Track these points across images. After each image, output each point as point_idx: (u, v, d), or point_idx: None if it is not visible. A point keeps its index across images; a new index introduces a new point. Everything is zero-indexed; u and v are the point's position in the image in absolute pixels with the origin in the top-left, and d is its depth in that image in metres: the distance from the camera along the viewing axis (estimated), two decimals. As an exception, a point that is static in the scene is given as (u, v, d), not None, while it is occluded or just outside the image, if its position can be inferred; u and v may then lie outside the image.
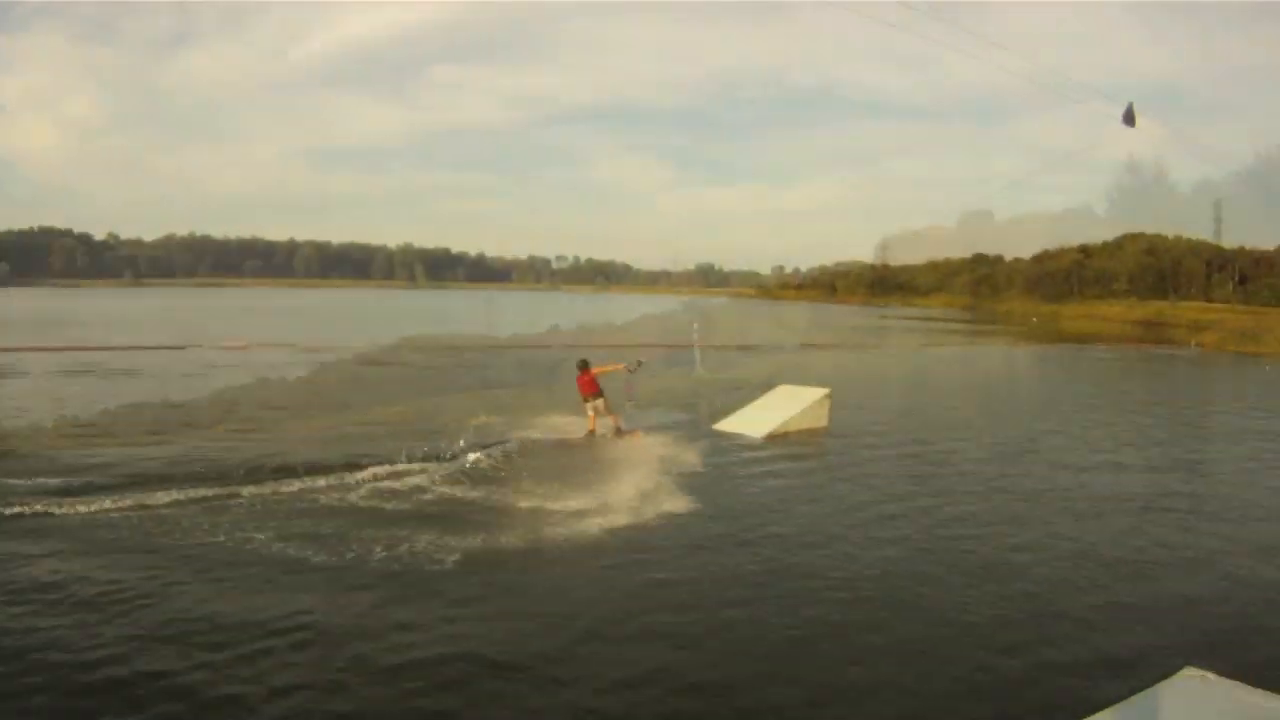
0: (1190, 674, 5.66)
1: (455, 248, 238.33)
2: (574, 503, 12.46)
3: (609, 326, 45.27)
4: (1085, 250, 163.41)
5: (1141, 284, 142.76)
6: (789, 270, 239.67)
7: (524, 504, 12.45)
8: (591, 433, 18.08)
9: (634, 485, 13.41)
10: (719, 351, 41.19)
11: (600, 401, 18.21)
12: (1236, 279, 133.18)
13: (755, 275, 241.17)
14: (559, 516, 11.90)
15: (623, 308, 65.26)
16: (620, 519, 11.88)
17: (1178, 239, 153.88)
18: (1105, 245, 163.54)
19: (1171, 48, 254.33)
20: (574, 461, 15.49)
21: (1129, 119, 37.75)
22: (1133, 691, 5.48)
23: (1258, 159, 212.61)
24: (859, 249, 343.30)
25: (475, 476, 13.83)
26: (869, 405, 24.04)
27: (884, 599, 9.68)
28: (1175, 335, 75.39)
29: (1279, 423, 24.75)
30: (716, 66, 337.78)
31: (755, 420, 18.95)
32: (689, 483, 14.07)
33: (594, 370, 18.42)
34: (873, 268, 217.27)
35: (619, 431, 18.28)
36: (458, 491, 13.11)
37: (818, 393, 20.02)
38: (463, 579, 9.56)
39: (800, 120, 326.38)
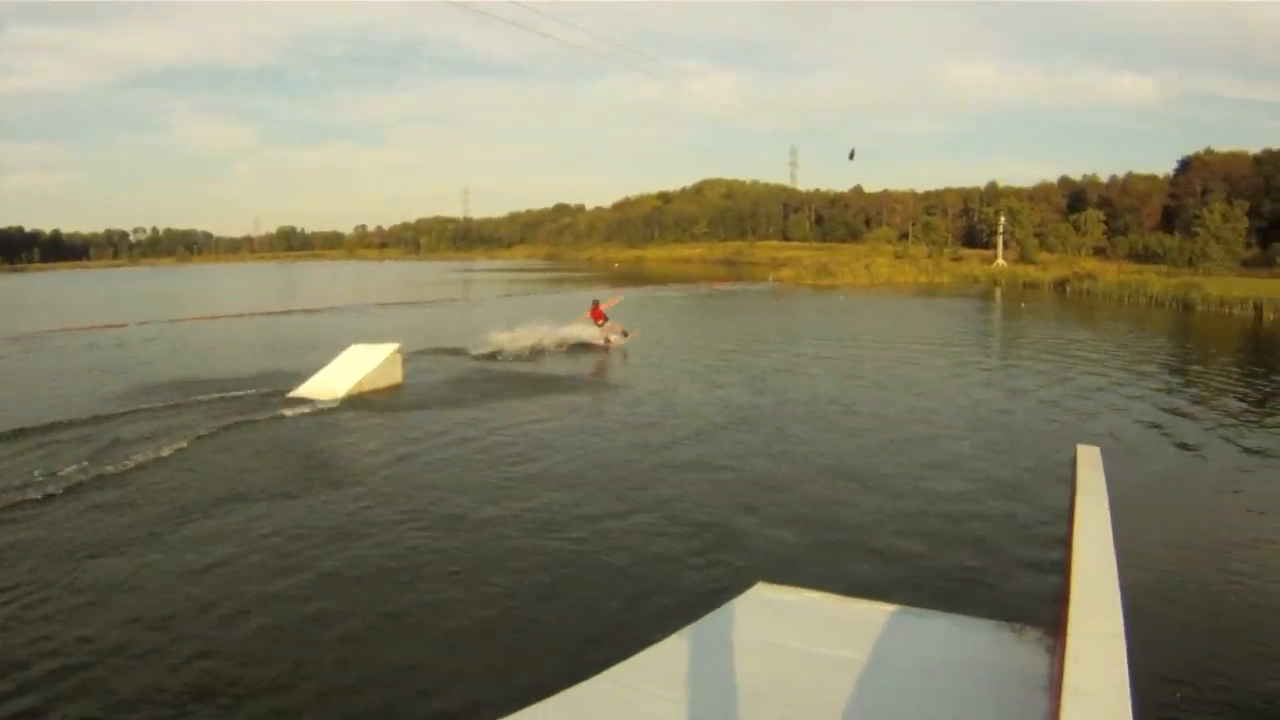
0: (762, 588, 6.09)
1: (29, 225, 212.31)
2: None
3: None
4: (665, 196, 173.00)
5: (721, 226, 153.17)
6: (371, 229, 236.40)
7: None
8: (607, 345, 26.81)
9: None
10: (301, 315, 41.06)
11: (607, 326, 27.12)
12: (813, 219, 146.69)
13: (339, 236, 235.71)
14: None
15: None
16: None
17: (755, 183, 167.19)
18: (685, 191, 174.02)
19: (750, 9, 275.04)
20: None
21: (851, 156, 44.91)
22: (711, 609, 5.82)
23: (825, 109, 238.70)
24: (442, 204, 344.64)
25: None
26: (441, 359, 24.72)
27: (463, 539, 9.95)
28: (756, 272, 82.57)
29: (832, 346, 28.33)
30: (300, 25, 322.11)
31: (329, 383, 18.83)
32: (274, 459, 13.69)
33: (603, 306, 27.36)
34: (456, 221, 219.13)
35: (625, 334, 27.69)
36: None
37: (389, 349, 20.22)
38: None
39: (384, 78, 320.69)
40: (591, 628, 7.75)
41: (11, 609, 8.22)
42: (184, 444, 14.43)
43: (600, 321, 27.20)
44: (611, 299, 30.25)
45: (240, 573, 9.05)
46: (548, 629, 7.77)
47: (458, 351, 25.73)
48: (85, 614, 8.10)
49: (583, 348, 26.46)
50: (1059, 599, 5.05)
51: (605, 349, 26.68)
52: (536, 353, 25.33)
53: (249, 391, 19.06)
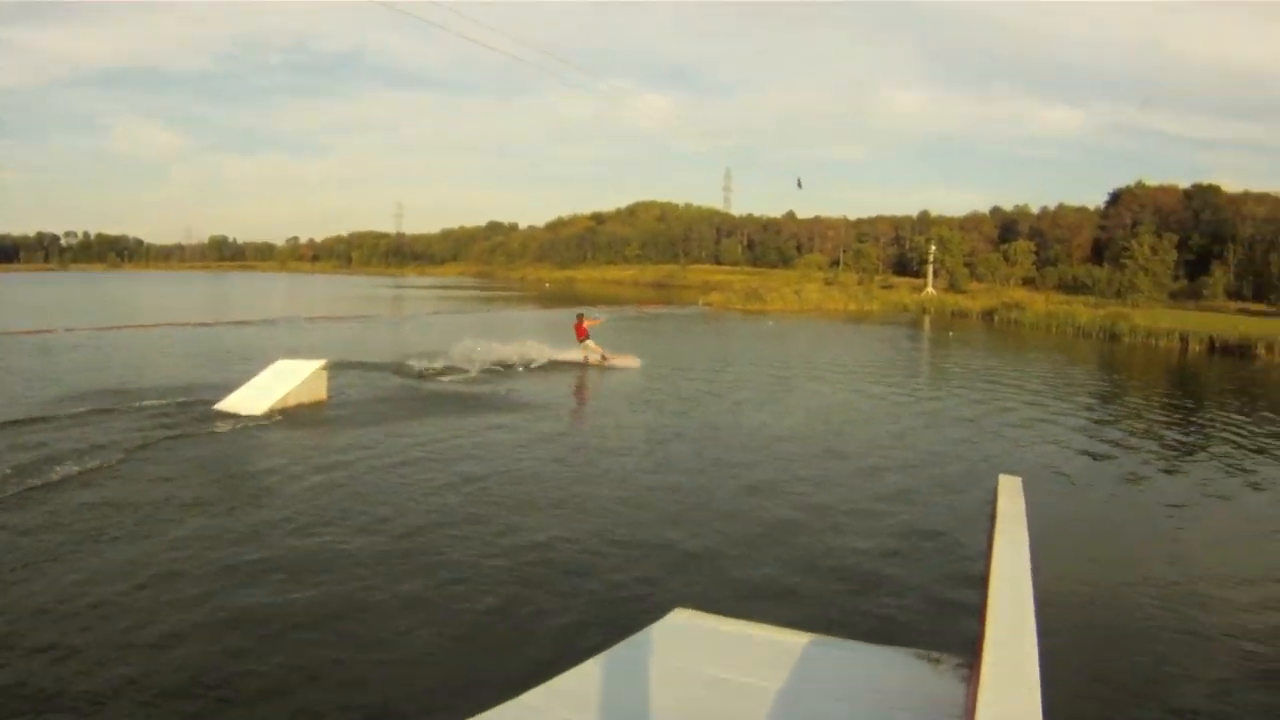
0: (680, 614, 6.07)
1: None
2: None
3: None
4: (598, 217, 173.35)
5: (654, 248, 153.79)
6: (304, 241, 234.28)
7: None
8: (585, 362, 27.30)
9: None
10: (230, 327, 40.89)
11: (589, 344, 27.44)
12: (745, 243, 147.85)
13: (271, 247, 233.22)
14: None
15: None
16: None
17: (689, 206, 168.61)
18: (618, 212, 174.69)
19: (685, 33, 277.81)
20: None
21: (799, 185, 45.40)
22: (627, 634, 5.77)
23: (759, 133, 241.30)
24: (376, 219, 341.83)
25: None
26: (367, 375, 24.74)
27: (378, 560, 9.95)
28: (686, 296, 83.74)
29: (761, 373, 28.82)
30: (240, 30, 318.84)
31: (254, 398, 18.80)
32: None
33: (586, 324, 27.91)
34: (388, 236, 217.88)
35: (604, 359, 27.57)
36: None
37: (314, 365, 20.24)
38: None
39: (321, 88, 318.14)
40: (499, 652, 7.74)
41: None
42: (104, 458, 14.25)
43: (581, 339, 27.97)
44: (595, 319, 30.92)
45: (153, 591, 8.95)
46: (456, 652, 7.77)
47: (384, 368, 25.89)
48: None
49: (507, 370, 26.41)
50: (977, 627, 4.98)
51: (586, 364, 27.53)
52: (464, 371, 25.41)
53: (173, 402, 19.06)
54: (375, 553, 10.19)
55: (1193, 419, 22.26)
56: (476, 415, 19.25)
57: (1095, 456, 16.96)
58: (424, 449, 15.71)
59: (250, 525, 11.16)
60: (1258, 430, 20.51)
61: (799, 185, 55.48)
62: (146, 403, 18.94)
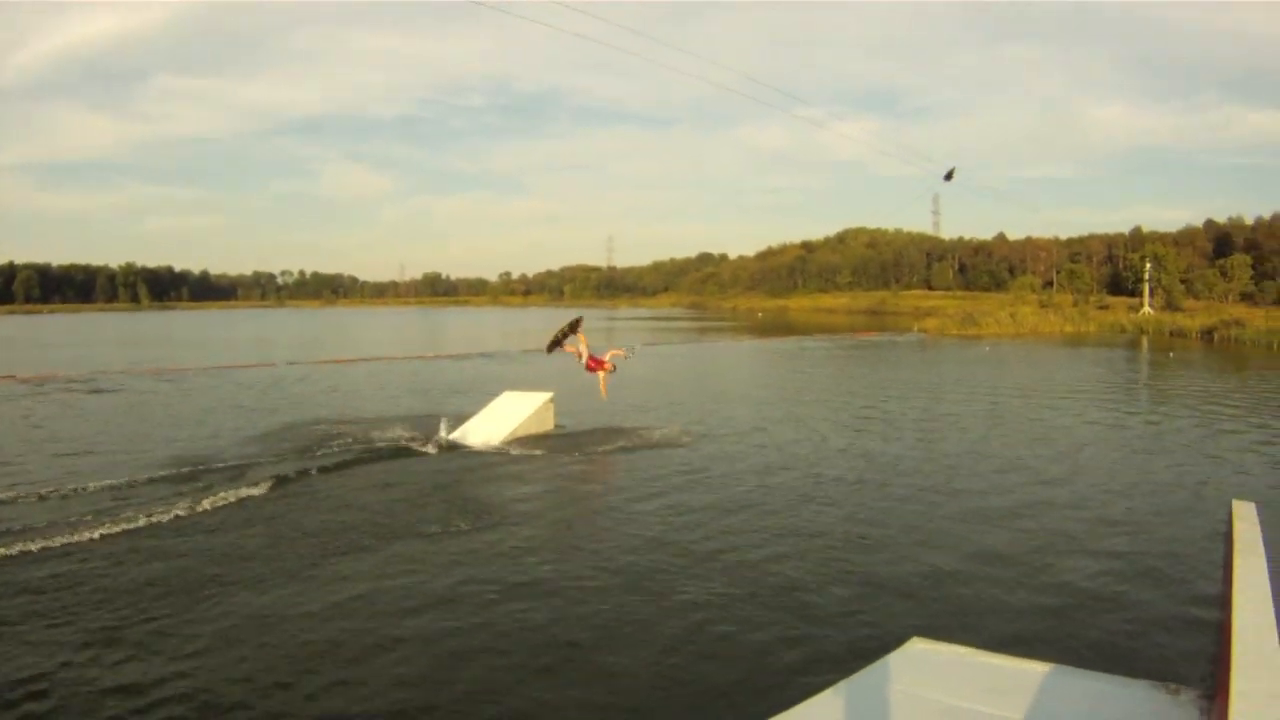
0: (917, 643, 5.96)
1: (179, 265, 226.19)
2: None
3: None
4: (808, 246, 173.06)
5: (864, 275, 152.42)
6: (515, 276, 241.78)
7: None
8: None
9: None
10: (448, 361, 41.26)
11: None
12: (956, 267, 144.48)
13: (483, 282, 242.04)
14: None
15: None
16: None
17: (898, 232, 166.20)
18: (827, 240, 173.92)
19: (887, 55, 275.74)
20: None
21: (948, 176, 43.10)
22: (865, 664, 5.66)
23: (964, 154, 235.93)
24: (586, 252, 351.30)
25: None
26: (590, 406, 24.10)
27: (628, 588, 9.62)
28: (899, 322, 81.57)
29: (980, 398, 26.94)
30: (441, 75, 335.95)
31: (486, 428, 18.66)
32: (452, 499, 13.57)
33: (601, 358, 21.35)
34: (599, 270, 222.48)
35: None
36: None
37: (542, 397, 20.05)
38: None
39: (525, 128, 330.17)
40: (750, 681, 7.45)
41: (150, 627, 8.37)
42: (333, 482, 14.55)
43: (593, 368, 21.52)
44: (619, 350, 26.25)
45: (383, 607, 9.01)
46: (706, 681, 7.47)
47: (605, 400, 24.97)
48: (225, 636, 8.21)
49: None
50: (1215, 658, 5.06)
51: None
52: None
53: (402, 435, 18.77)
54: (614, 590, 9.73)
55: None
56: (699, 447, 18.40)
57: None
58: (653, 484, 14.92)
59: (488, 550, 11.10)
60: None
61: (948, 177, 52.11)
62: (376, 434, 18.82)
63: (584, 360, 20.01)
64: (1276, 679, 3.34)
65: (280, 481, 14.08)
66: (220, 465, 15.51)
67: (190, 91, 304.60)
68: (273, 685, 7.16)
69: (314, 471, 15.02)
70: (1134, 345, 54.11)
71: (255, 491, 13.35)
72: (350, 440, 18.05)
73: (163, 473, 14.85)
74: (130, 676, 7.22)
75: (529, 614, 8.81)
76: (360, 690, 7.17)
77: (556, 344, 19.93)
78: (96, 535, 11.13)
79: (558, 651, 7.96)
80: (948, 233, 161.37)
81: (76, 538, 11.00)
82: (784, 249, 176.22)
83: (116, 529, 11.42)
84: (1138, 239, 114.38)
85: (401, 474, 15.22)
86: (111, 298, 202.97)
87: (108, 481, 14.20)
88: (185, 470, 15.03)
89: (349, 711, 6.85)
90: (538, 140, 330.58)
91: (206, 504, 12.75)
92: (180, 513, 12.18)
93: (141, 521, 11.75)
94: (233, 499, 12.96)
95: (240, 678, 7.27)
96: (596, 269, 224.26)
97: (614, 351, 21.15)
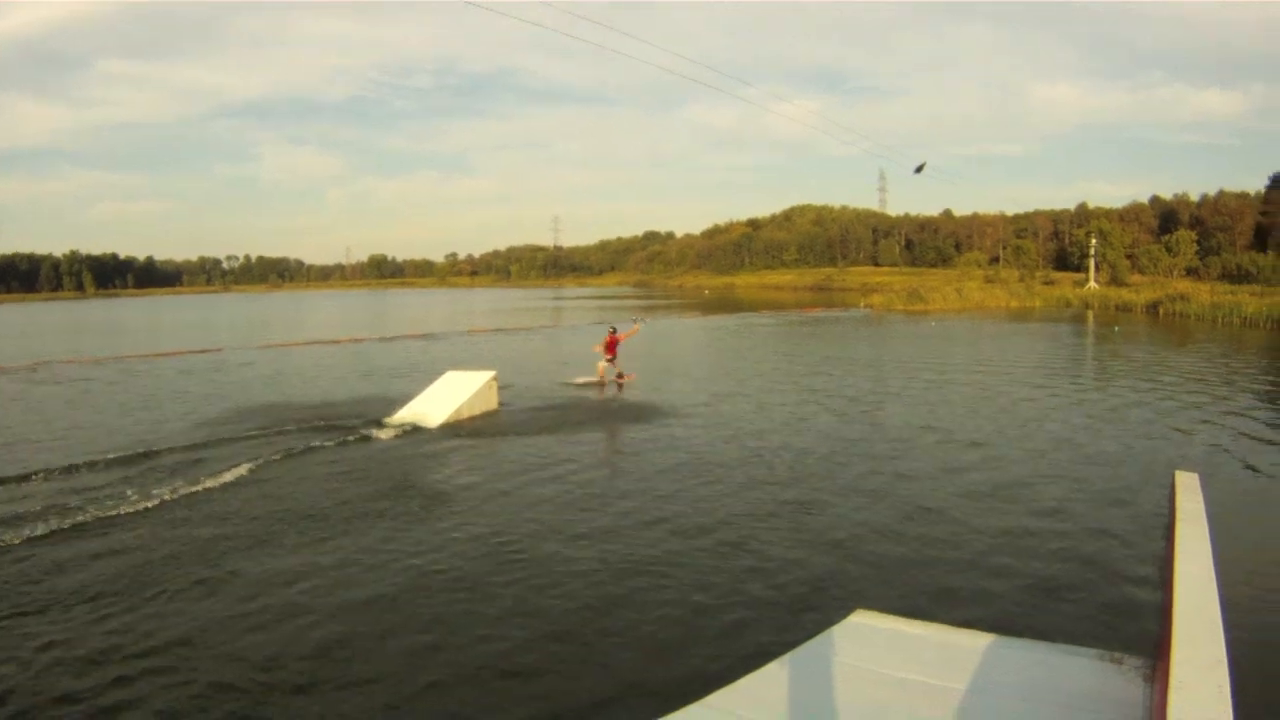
0: (861, 615, 6.11)
1: (124, 252, 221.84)
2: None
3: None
4: (754, 223, 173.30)
5: (811, 252, 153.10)
6: (462, 257, 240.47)
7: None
8: (601, 383, 24.21)
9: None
10: (395, 342, 41.29)
11: (615, 364, 24.53)
12: (903, 243, 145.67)
13: (429, 264, 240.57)
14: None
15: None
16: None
17: (845, 208, 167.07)
18: (774, 217, 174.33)
19: (829, 39, 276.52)
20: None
21: (919, 169, 44.20)
22: (808, 637, 5.77)
23: (911, 133, 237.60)
24: (533, 233, 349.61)
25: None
26: (534, 384, 24.57)
27: (567, 562, 9.53)
28: (846, 299, 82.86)
29: (926, 373, 27.49)
30: (387, 57, 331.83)
31: (429, 409, 18.58)
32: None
33: (620, 336, 25.01)
34: (546, 250, 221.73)
35: (620, 377, 24.49)
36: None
37: (485, 376, 20.02)
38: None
39: (471, 108, 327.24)
40: (692, 655, 7.42)
41: (95, 613, 8.35)
42: (278, 467, 14.44)
43: (611, 356, 24.73)
44: (631, 329, 28.46)
45: (323, 590, 8.99)
46: (643, 658, 7.42)
47: (552, 379, 25.58)
48: (164, 620, 8.19)
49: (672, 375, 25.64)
50: (1159, 627, 5.09)
51: (603, 386, 24.31)
52: (627, 382, 24.84)
53: (346, 418, 18.84)
54: (552, 572, 9.57)
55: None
56: (646, 425, 18.47)
57: (1273, 449, 15.59)
58: (601, 466, 15.00)
59: (427, 532, 11.00)
60: None
61: (918, 170, 53.51)
62: (319, 419, 18.80)
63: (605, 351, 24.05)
64: (1217, 647, 3.41)
65: (218, 471, 13.85)
66: (164, 455, 15.34)
67: (135, 76, 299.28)
68: (214, 689, 6.88)
69: (255, 459, 14.79)
70: (1079, 320, 54.88)
71: (199, 485, 13.08)
72: (292, 425, 17.97)
73: (106, 463, 14.70)
74: (68, 686, 6.90)
75: (448, 595, 8.80)
76: (290, 658, 7.25)
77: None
78: (39, 532, 10.84)
79: (498, 629, 7.93)
80: (894, 209, 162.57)
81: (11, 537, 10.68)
82: (730, 226, 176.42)
83: (66, 523, 11.17)
84: (1084, 215, 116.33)
85: (342, 459, 15.13)
86: (56, 287, 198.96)
87: (46, 473, 14.09)
88: (130, 461, 14.90)
89: (277, 681, 6.89)
90: (485, 120, 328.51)
91: (152, 489, 12.73)
92: (126, 509, 11.86)
93: (86, 516, 11.49)
94: (174, 492, 12.69)
95: (187, 680, 7.00)
96: (543, 249, 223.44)
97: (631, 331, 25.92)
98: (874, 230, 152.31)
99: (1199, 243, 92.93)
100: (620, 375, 24.84)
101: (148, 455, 15.29)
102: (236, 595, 8.79)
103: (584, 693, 6.76)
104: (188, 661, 7.27)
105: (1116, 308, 62.20)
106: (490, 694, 6.74)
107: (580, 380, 24.75)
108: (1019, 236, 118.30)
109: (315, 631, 7.87)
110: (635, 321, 31.69)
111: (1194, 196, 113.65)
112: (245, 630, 7.92)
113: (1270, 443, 15.98)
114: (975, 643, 5.54)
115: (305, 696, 6.70)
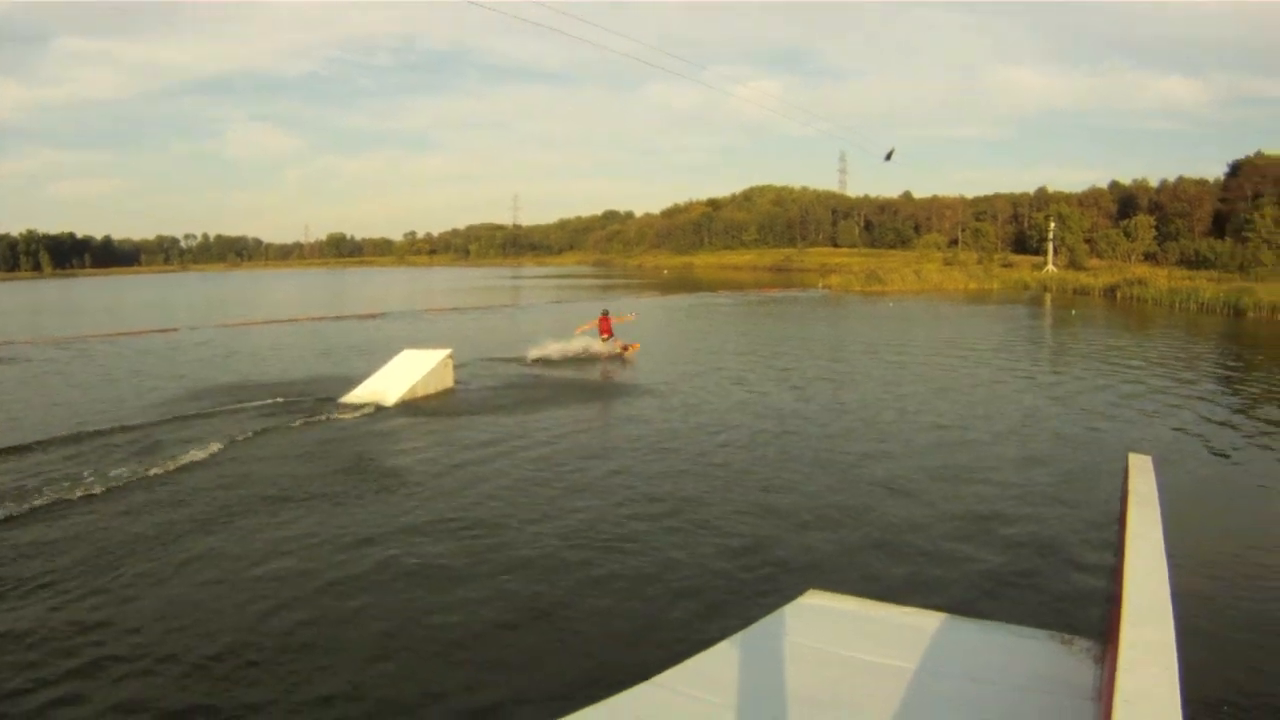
0: (814, 595, 6.03)
1: (81, 232, 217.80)
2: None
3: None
4: (714, 203, 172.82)
5: (770, 233, 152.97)
6: (421, 236, 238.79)
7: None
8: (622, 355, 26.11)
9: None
10: (352, 321, 41.30)
11: (613, 340, 26.47)
12: (862, 225, 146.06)
13: (388, 243, 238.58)
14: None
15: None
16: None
17: (805, 189, 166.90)
18: (734, 198, 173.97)
19: (792, 20, 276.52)
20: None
21: (888, 157, 44.51)
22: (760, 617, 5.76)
23: (872, 115, 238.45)
24: (492, 211, 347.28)
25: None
26: (490, 363, 24.82)
27: (523, 543, 9.73)
28: (805, 279, 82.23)
29: (884, 353, 27.93)
30: (347, 33, 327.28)
31: (385, 387, 18.71)
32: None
33: (614, 319, 27.15)
34: (505, 228, 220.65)
35: (624, 349, 26.37)
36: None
37: (440, 354, 20.14)
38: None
39: (432, 85, 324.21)
40: (642, 634, 7.64)
41: (54, 598, 8.40)
42: (235, 446, 14.51)
43: (606, 335, 26.66)
44: (624, 316, 29.90)
45: (278, 574, 9.03)
46: (596, 636, 7.63)
47: (508, 357, 25.77)
48: (121, 607, 8.22)
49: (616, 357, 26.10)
50: (1109, 609, 5.08)
51: (613, 359, 26.00)
52: (587, 359, 25.25)
53: (302, 396, 19.02)
54: (505, 548, 9.80)
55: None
56: (600, 402, 19.15)
57: (1226, 433, 15.88)
58: (553, 443, 15.15)
59: (380, 511, 11.12)
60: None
61: (888, 158, 53.99)
62: (274, 398, 18.93)
63: (598, 332, 26.03)
64: (1166, 629, 3.42)
65: (176, 454, 13.79)
66: (120, 434, 15.45)
67: (93, 54, 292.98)
68: (177, 673, 6.94)
69: (213, 439, 14.82)
70: (1037, 302, 55.35)
71: (157, 468, 13.03)
72: (250, 405, 18.11)
73: (63, 441, 14.85)
74: (27, 677, 6.87)
75: (403, 573, 8.96)
76: (252, 647, 7.33)
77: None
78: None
79: (461, 609, 8.06)
80: (854, 191, 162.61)
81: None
82: (690, 206, 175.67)
83: (24, 507, 11.16)
84: (1043, 199, 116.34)
85: (299, 439, 15.23)
86: (13, 267, 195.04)
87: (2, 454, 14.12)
88: (88, 438, 15.05)
89: (239, 668, 6.97)
90: (444, 98, 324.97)
91: (107, 471, 12.80)
92: (82, 492, 11.81)
93: (42, 499, 11.47)
94: (133, 474, 12.69)
95: (149, 670, 7.01)
96: (502, 228, 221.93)
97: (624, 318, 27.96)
98: (834, 211, 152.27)
99: (1157, 228, 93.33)
100: (625, 347, 26.52)
101: (106, 433, 15.39)
102: (197, 579, 8.85)
103: (550, 668, 6.99)
104: (148, 647, 7.33)
105: (1074, 291, 62.45)
106: (454, 672, 6.96)
107: (535, 354, 25.64)
108: (978, 219, 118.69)
109: (277, 615, 7.98)
110: (631, 314, 33.05)
111: (1154, 182, 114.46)
112: (208, 614, 8.01)
113: (1223, 426, 16.29)
114: (927, 623, 5.55)
115: (269, 679, 6.83)
